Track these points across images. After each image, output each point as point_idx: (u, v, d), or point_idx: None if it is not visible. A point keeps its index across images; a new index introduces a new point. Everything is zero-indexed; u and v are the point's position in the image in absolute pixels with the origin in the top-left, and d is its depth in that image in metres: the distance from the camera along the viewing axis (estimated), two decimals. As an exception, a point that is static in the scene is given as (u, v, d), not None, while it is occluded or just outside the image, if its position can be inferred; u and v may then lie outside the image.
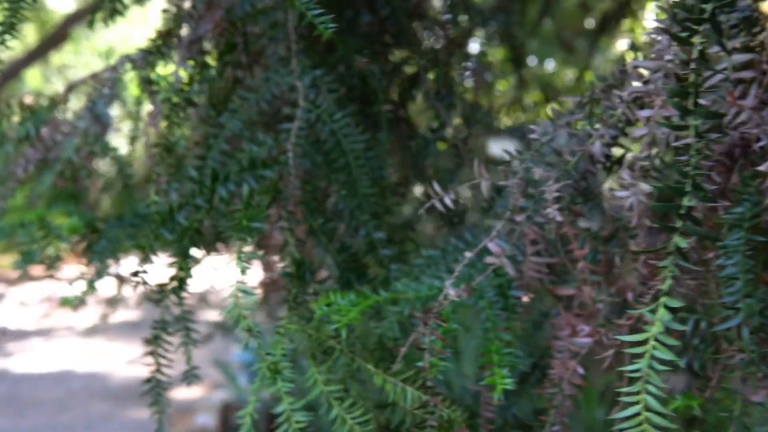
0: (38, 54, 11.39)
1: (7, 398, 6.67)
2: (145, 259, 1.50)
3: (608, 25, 4.05)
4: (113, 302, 2.03)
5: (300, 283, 1.44)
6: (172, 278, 1.55)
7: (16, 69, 12.02)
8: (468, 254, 1.22)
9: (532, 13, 3.82)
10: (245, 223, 1.27)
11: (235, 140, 1.70)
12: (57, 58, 13.09)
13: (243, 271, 1.22)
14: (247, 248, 1.28)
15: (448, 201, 1.25)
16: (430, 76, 2.01)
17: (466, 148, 2.00)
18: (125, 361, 7.26)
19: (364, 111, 1.87)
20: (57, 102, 2.00)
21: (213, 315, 4.58)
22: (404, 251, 1.62)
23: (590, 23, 4.43)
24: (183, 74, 1.73)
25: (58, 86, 15.52)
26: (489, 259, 1.26)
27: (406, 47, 2.03)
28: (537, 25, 3.58)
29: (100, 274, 1.92)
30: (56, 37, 7.95)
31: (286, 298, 1.42)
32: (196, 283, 1.60)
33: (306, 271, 1.46)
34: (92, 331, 6.65)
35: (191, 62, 1.76)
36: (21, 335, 8.81)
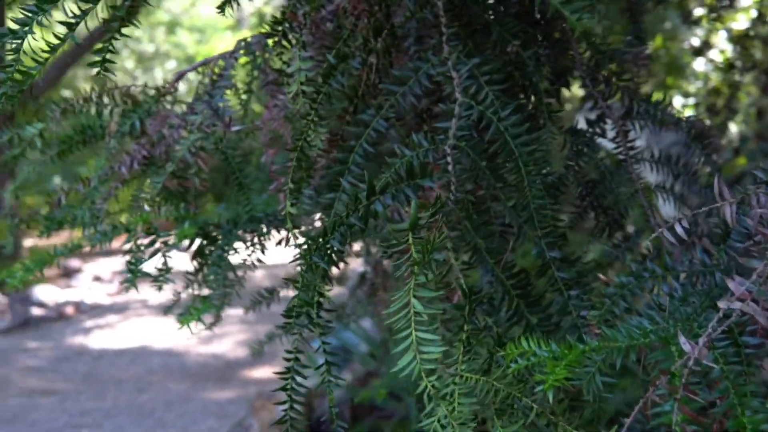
0: (105, 31, 11.36)
1: (88, 376, 6.61)
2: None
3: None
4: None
5: (471, 318, 1.20)
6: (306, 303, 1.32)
7: (88, 44, 12.02)
8: (723, 305, 0.96)
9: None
10: (425, 255, 1.03)
11: (379, 142, 1.46)
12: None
13: (424, 319, 0.99)
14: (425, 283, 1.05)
15: (680, 229, 1.00)
16: (587, 56, 1.74)
17: (626, 142, 1.73)
18: (199, 339, 7.14)
19: (521, 105, 1.62)
20: (164, 93, 1.79)
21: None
22: (583, 273, 1.36)
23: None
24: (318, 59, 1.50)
25: (128, 61, 15.52)
26: (725, 303, 1.00)
27: (558, 26, 1.76)
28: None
29: (214, 286, 1.72)
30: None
31: (457, 337, 1.18)
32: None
33: (477, 304, 1.22)
34: (167, 309, 6.54)
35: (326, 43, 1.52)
36: (98, 311, 8.80)
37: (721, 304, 0.98)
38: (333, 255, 1.21)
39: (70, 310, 8.70)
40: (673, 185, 1.78)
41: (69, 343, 7.59)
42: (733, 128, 6.55)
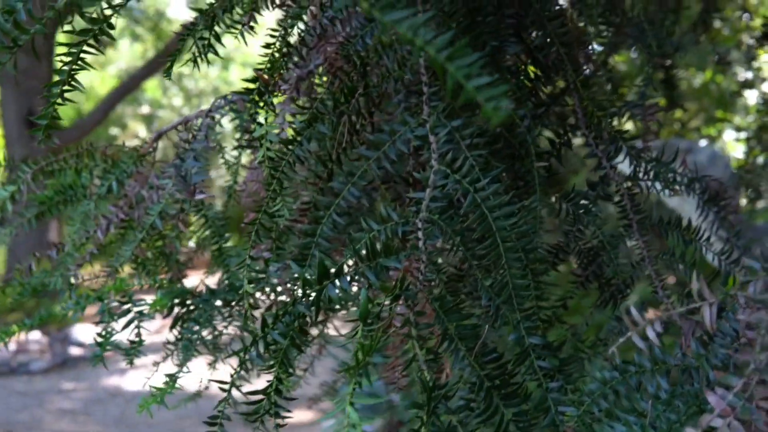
0: (157, 65, 11.48)
1: (120, 420, 6.56)
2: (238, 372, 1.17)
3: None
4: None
5: (431, 417, 1.08)
6: (267, 390, 1.21)
7: (136, 81, 12.17)
8: (703, 424, 0.83)
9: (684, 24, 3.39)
10: (361, 359, 0.92)
11: (351, 211, 1.35)
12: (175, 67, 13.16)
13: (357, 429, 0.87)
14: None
15: (652, 334, 0.87)
16: (590, 115, 1.61)
17: (634, 206, 1.60)
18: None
19: (510, 168, 1.50)
20: (143, 153, 1.70)
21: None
22: (567, 362, 1.23)
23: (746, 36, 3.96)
24: (290, 119, 1.40)
25: (176, 99, 15.69)
26: (705, 421, 0.86)
27: (559, 82, 1.64)
28: (695, 41, 3.13)
29: (184, 362, 1.62)
30: (174, 46, 7.88)
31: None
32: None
33: (439, 400, 1.10)
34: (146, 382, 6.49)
35: (299, 103, 1.43)
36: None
37: (702, 423, 0.84)
38: (272, 347, 1.10)
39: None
40: (683, 252, 1.64)
41: (104, 384, 7.56)
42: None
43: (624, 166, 1.65)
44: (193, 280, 1.83)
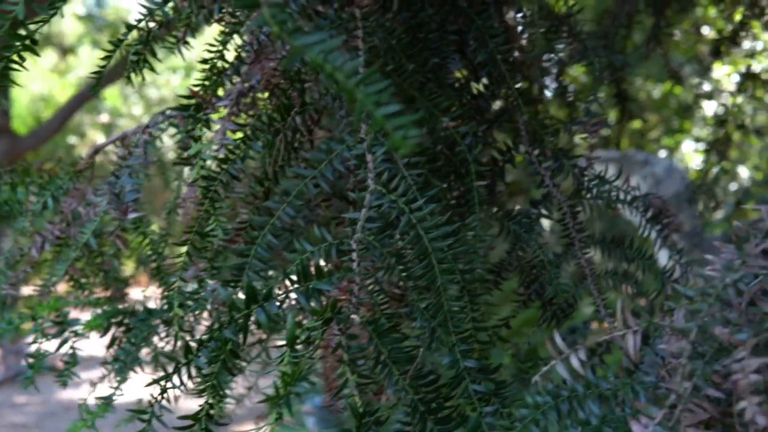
0: (117, 73, 11.34)
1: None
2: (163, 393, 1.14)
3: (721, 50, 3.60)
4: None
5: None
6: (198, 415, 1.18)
7: (91, 95, 11.99)
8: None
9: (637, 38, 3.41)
10: (282, 389, 0.89)
11: (288, 232, 1.33)
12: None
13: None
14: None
15: (576, 362, 0.85)
16: (532, 132, 1.60)
17: (576, 225, 1.59)
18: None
19: (451, 187, 1.49)
20: (80, 169, 1.66)
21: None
22: (503, 385, 1.21)
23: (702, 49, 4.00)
24: (230, 136, 1.38)
25: (136, 107, 15.53)
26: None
27: (503, 100, 1.63)
28: (645, 56, 3.15)
29: (120, 382, 1.58)
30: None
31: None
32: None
33: (369, 426, 1.07)
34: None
35: (240, 120, 1.40)
36: (91, 363, 8.65)
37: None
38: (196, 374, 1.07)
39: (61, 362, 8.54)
40: (626, 270, 1.64)
41: (58, 398, 7.44)
42: (744, 172, 6.40)
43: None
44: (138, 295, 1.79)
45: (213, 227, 1.32)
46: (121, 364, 1.55)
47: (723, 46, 3.51)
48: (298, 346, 1.05)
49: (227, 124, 1.38)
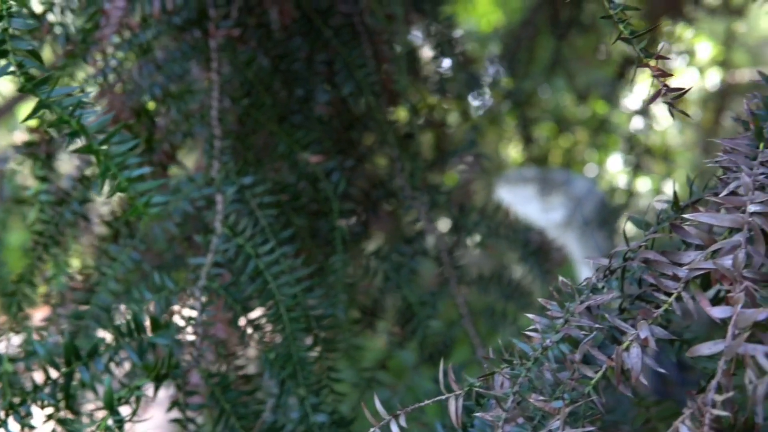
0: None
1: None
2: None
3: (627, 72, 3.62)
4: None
5: None
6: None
7: (10, 104, 11.69)
8: None
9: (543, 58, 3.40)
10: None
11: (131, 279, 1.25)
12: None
13: None
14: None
15: (395, 429, 0.79)
16: (406, 167, 1.53)
17: (452, 262, 1.53)
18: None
19: (316, 225, 1.42)
20: None
21: None
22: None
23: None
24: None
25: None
26: None
27: (374, 133, 1.57)
28: (548, 75, 3.15)
29: None
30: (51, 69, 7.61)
31: None
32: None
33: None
34: None
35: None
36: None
37: None
38: None
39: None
40: (504, 308, 1.59)
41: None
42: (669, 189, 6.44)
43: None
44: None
45: (54, 273, 1.23)
46: None
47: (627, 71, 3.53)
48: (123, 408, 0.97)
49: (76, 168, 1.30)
